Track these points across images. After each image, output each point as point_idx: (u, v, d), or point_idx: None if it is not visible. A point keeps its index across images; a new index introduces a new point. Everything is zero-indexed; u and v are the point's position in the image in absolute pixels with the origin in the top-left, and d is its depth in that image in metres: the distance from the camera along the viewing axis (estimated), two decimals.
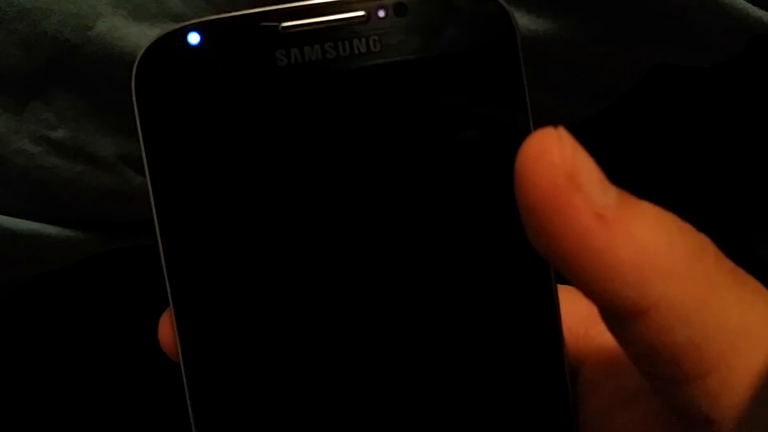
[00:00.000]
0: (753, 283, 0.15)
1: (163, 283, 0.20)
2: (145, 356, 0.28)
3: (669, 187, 0.39)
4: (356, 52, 0.19)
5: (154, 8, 0.25)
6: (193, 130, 0.19)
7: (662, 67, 0.32)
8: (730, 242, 0.17)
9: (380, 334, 0.20)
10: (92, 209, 0.29)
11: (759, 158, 0.41)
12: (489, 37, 0.19)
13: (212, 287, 0.20)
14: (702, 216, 0.18)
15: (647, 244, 0.15)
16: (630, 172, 0.25)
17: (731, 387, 0.15)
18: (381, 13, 0.19)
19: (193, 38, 0.19)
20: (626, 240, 0.15)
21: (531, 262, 0.19)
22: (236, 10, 0.19)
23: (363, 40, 0.19)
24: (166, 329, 0.20)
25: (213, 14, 0.23)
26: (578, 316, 0.20)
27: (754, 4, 0.28)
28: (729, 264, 0.15)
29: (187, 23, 0.19)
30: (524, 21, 0.27)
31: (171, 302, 0.20)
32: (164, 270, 0.20)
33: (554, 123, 0.16)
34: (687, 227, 0.15)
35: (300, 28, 0.19)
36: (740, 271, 0.15)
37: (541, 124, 0.16)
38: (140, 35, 0.25)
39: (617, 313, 0.15)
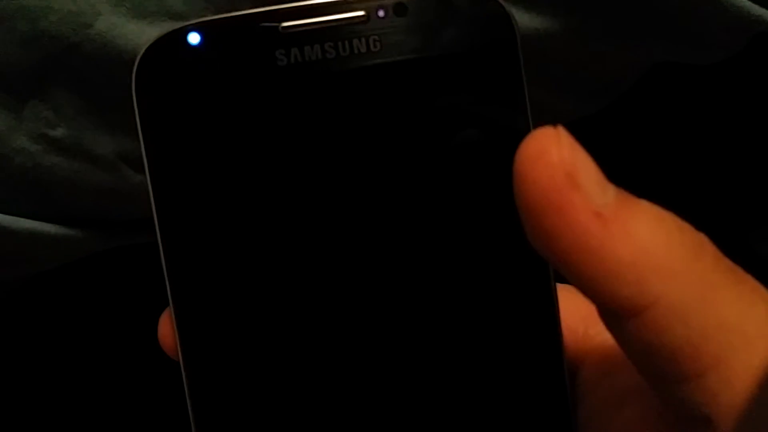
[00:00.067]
0: (751, 282, 0.15)
1: (162, 281, 0.20)
2: (145, 355, 0.28)
3: (668, 185, 0.39)
4: (356, 51, 0.19)
5: (153, 6, 0.25)
6: (193, 129, 0.19)
7: (662, 66, 0.32)
8: (729, 241, 0.17)
9: (380, 333, 0.20)
10: (91, 207, 0.29)
11: (758, 157, 0.41)
12: (489, 37, 0.19)
13: (212, 286, 0.20)
14: (701, 214, 0.18)
15: (646, 243, 0.15)
16: (629, 170, 0.25)
17: (730, 386, 0.15)
18: (381, 13, 0.19)
19: (194, 38, 0.19)
20: (625, 239, 0.15)
21: (530, 262, 0.19)
22: (236, 9, 0.19)
23: (363, 39, 0.19)
24: (166, 328, 0.20)
25: (213, 13, 0.23)
26: (577, 316, 0.20)
27: (754, 2, 0.28)
28: (728, 263, 0.15)
29: (187, 23, 0.19)
30: (524, 19, 0.27)
31: (171, 301, 0.20)
32: (164, 269, 0.20)
33: (554, 121, 0.16)
34: (686, 226, 0.15)
35: (300, 28, 0.19)
36: (739, 270, 0.15)
37: (540, 122, 0.16)
38: (139, 33, 0.25)
39: (616, 312, 0.15)
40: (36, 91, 0.27)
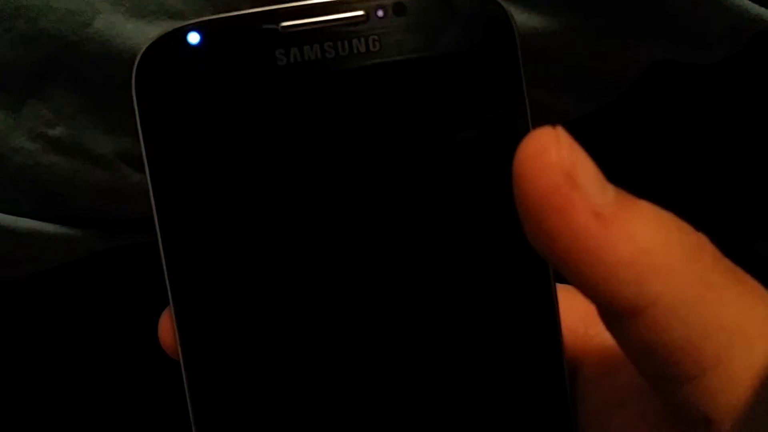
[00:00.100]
0: (751, 282, 0.15)
1: (162, 280, 0.20)
2: (145, 354, 0.28)
3: (668, 185, 0.39)
4: (355, 51, 0.19)
5: (152, 5, 0.25)
6: (193, 129, 0.19)
7: (662, 65, 0.31)
8: (728, 241, 0.17)
9: (380, 333, 0.20)
10: (90, 207, 0.29)
11: (758, 156, 0.41)
12: (488, 37, 0.19)
13: (212, 285, 0.20)
14: (700, 214, 0.18)
15: (645, 242, 0.15)
16: (629, 170, 0.25)
17: (729, 386, 0.15)
18: (380, 13, 0.19)
19: (193, 38, 0.19)
20: (624, 239, 0.15)
21: (530, 262, 0.19)
22: (235, 8, 0.19)
23: (362, 39, 0.19)
24: (166, 327, 0.20)
25: (212, 12, 0.23)
26: (577, 316, 0.20)
27: (754, 2, 0.28)
28: (727, 263, 0.15)
29: (187, 23, 0.19)
30: (523, 18, 0.27)
31: (171, 300, 0.20)
32: (164, 268, 0.20)
33: (553, 121, 0.16)
34: (685, 226, 0.15)
35: (299, 28, 0.19)
36: (738, 270, 0.15)
37: (540, 121, 0.16)
38: (138, 32, 0.25)
39: (615, 312, 0.15)
40: (35, 90, 0.26)
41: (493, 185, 0.19)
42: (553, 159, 0.15)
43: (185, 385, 0.20)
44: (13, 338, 0.39)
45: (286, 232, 0.20)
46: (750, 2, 0.27)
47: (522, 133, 0.16)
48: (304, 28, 0.19)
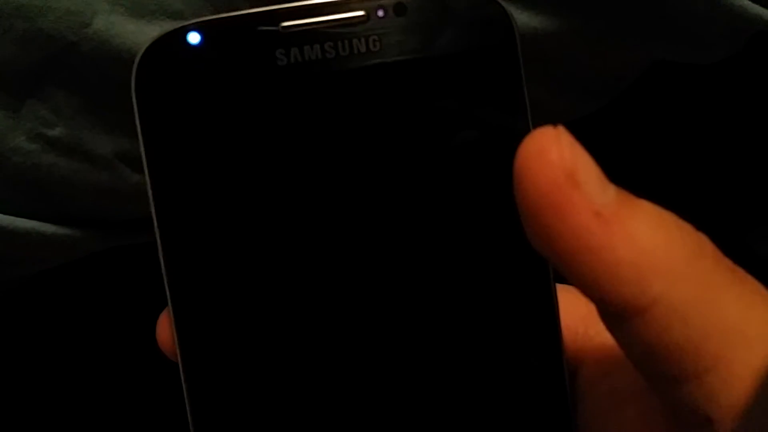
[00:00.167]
0: (752, 283, 0.15)
1: (161, 281, 0.20)
2: (143, 355, 0.28)
3: (668, 185, 0.39)
4: (356, 51, 0.19)
5: (152, 5, 0.25)
6: (193, 129, 0.19)
7: (661, 65, 0.32)
8: (728, 240, 0.17)
9: (379, 333, 0.20)
10: (89, 207, 0.29)
11: (758, 156, 0.41)
12: (488, 37, 0.19)
13: (211, 286, 0.20)
14: (700, 214, 0.18)
15: (646, 242, 0.15)
16: (629, 170, 0.25)
17: (730, 386, 0.15)
18: (380, 13, 0.19)
19: (193, 38, 0.19)
20: (625, 238, 0.15)
21: (530, 262, 0.19)
22: (235, 8, 0.19)
23: (362, 39, 0.19)
24: (164, 328, 0.20)
25: (211, 12, 0.23)
26: (577, 316, 0.20)
27: (753, 1, 0.28)
28: (728, 263, 0.15)
29: (187, 23, 0.19)
30: (523, 18, 0.27)
31: (169, 301, 0.20)
32: (163, 269, 0.20)
33: (553, 121, 0.16)
34: (686, 226, 0.15)
35: (300, 28, 0.19)
36: (739, 270, 0.15)
37: (539, 122, 0.16)
38: (138, 33, 0.25)
39: (615, 312, 0.15)
40: (34, 90, 0.26)
41: (494, 185, 0.19)
42: (553, 158, 0.15)
43: (183, 386, 0.20)
44: (13, 338, 0.39)
45: (285, 233, 0.20)
46: (749, 2, 0.27)
47: (523, 133, 0.15)
48: (304, 28, 0.19)
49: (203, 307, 0.20)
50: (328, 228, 0.20)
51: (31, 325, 0.40)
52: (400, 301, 0.20)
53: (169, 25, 0.19)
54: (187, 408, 0.20)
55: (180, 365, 0.20)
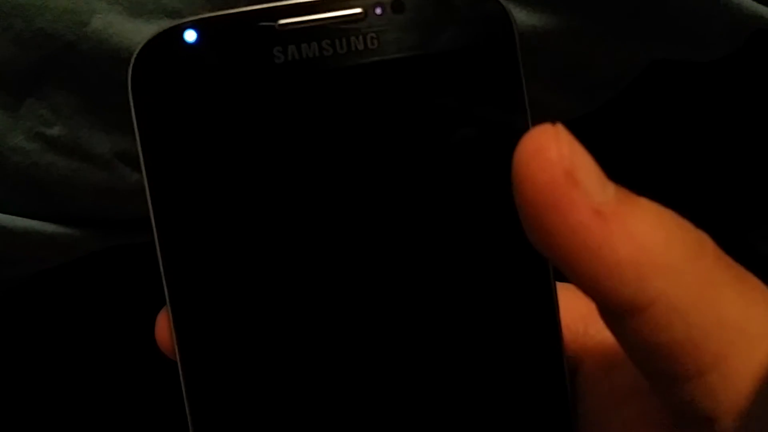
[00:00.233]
0: (753, 280, 0.15)
1: (160, 280, 0.20)
2: (143, 354, 0.28)
3: (668, 183, 0.39)
4: (353, 49, 0.19)
5: (150, 4, 0.25)
6: (190, 127, 0.19)
7: (661, 63, 0.31)
8: (729, 239, 0.17)
9: (378, 331, 0.20)
10: (88, 206, 0.29)
11: (758, 155, 0.41)
12: (487, 34, 0.19)
13: (209, 285, 0.20)
14: (701, 213, 0.18)
15: (645, 240, 0.15)
16: (629, 168, 0.24)
17: (730, 384, 0.14)
18: (378, 11, 0.19)
19: (190, 36, 0.19)
20: (624, 236, 0.15)
21: (530, 260, 0.19)
22: (233, 7, 0.19)
23: (360, 37, 0.19)
24: (163, 327, 0.20)
25: (209, 10, 0.23)
26: (577, 314, 0.20)
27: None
28: (728, 261, 0.15)
29: (183, 20, 0.19)
30: (521, 16, 0.27)
31: (168, 300, 0.20)
32: (161, 268, 0.20)
33: (552, 119, 0.15)
34: (686, 224, 0.15)
35: (297, 26, 0.19)
36: (739, 268, 0.15)
37: (539, 120, 0.16)
38: (136, 31, 0.25)
39: (615, 311, 0.15)
40: (33, 89, 0.26)
41: (493, 183, 0.19)
42: (552, 156, 0.15)
43: (182, 385, 0.20)
44: (12, 338, 0.39)
45: (283, 231, 0.20)
46: (749, 0, 0.27)
47: (522, 131, 0.15)
48: (301, 25, 0.19)
49: (201, 305, 0.20)
50: (326, 225, 0.20)
51: (30, 324, 0.40)
52: (400, 299, 0.20)
53: (166, 24, 0.19)
54: (186, 406, 0.20)
55: (179, 364, 0.20)
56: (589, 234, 0.15)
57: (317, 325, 0.20)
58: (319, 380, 0.20)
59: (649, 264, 0.15)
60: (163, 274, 0.20)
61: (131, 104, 0.19)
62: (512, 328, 0.20)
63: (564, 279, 0.16)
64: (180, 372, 0.20)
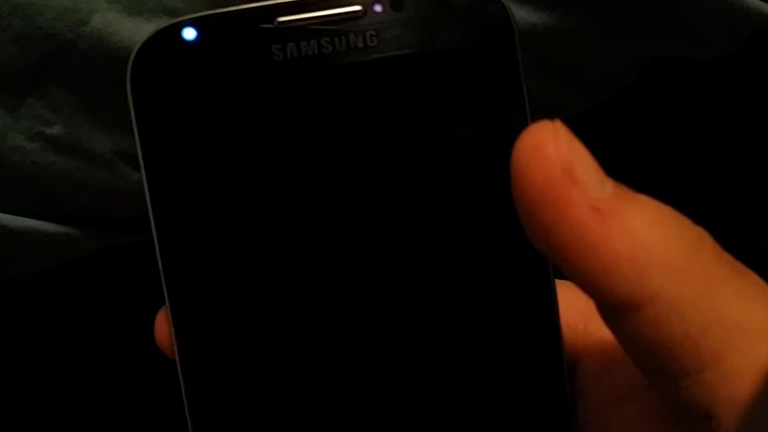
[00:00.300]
0: (752, 277, 0.15)
1: (159, 279, 0.20)
2: (142, 353, 0.28)
3: (669, 182, 0.39)
4: (353, 46, 0.19)
5: (149, 3, 0.25)
6: (189, 125, 0.19)
7: (661, 60, 0.31)
8: (731, 238, 0.17)
9: (377, 329, 0.20)
10: (88, 206, 0.29)
11: (759, 153, 0.41)
12: (486, 32, 0.19)
13: (208, 284, 0.20)
14: (703, 211, 0.18)
15: (644, 237, 0.15)
16: (630, 166, 0.24)
17: (729, 381, 0.14)
18: (377, 8, 0.19)
19: (189, 33, 0.19)
20: (623, 233, 0.15)
21: (529, 258, 0.19)
22: (232, 5, 0.19)
23: (359, 34, 0.19)
24: (163, 326, 0.20)
25: (209, 9, 0.22)
26: (577, 312, 0.20)
27: None
28: (727, 257, 0.15)
29: (182, 18, 0.19)
30: (522, 14, 0.27)
31: (167, 299, 0.20)
32: (160, 267, 0.20)
33: (552, 117, 0.15)
34: (685, 220, 0.15)
35: (296, 23, 0.19)
36: (739, 265, 0.15)
37: (538, 118, 0.16)
38: (136, 30, 0.25)
39: (614, 307, 0.15)
40: (32, 89, 0.26)
41: (492, 181, 0.19)
42: (551, 153, 0.15)
43: (181, 384, 0.20)
44: (12, 337, 0.39)
45: (282, 229, 0.20)
46: None
47: (521, 128, 0.15)
48: (300, 23, 0.19)
49: (200, 304, 0.20)
50: (324, 223, 0.20)
51: (30, 324, 0.40)
52: (399, 297, 0.20)
53: (165, 22, 0.19)
54: (185, 405, 0.20)
55: (178, 362, 0.20)
56: (587, 231, 0.15)
57: (316, 324, 0.20)
58: (318, 379, 0.20)
59: (648, 261, 0.15)
60: (162, 273, 0.20)
61: (130, 102, 0.19)
62: (511, 325, 0.20)
63: (563, 276, 0.16)
64: (179, 371, 0.20)
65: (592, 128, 0.23)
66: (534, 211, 0.15)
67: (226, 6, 0.19)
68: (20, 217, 0.28)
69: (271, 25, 0.19)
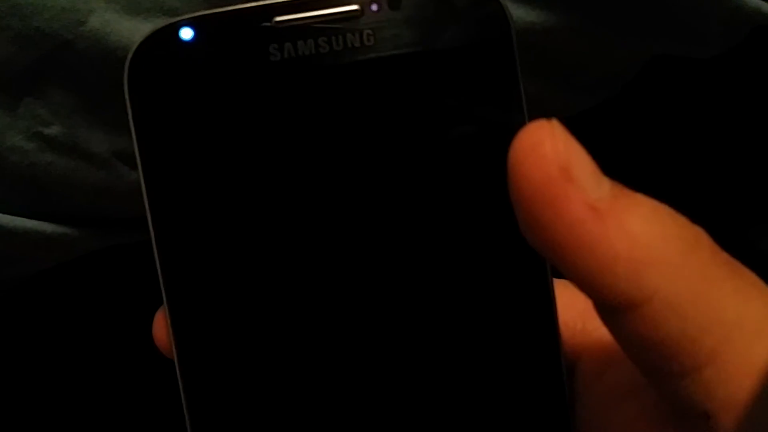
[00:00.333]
0: (749, 276, 0.15)
1: (157, 279, 0.20)
2: (141, 353, 0.28)
3: (668, 181, 0.39)
4: (350, 46, 0.19)
5: (147, 3, 0.25)
6: (186, 125, 0.19)
7: (660, 59, 0.31)
8: (730, 237, 0.17)
9: (376, 329, 0.20)
10: (86, 206, 0.29)
11: (758, 151, 0.41)
12: (483, 31, 0.19)
13: (206, 284, 0.20)
14: (701, 211, 0.18)
15: (641, 236, 0.15)
16: (628, 165, 0.24)
17: (728, 380, 0.14)
18: (374, 7, 0.19)
19: (186, 33, 0.19)
20: (620, 232, 0.15)
21: (527, 257, 0.19)
22: (229, 5, 0.19)
23: (357, 34, 0.19)
24: (161, 326, 0.20)
25: (206, 9, 0.22)
26: (575, 311, 0.20)
27: None
28: (725, 256, 0.15)
29: (179, 18, 0.19)
30: (520, 13, 0.27)
31: (165, 299, 0.20)
32: (157, 266, 0.19)
33: (551, 116, 0.15)
34: (682, 219, 0.15)
35: (293, 23, 0.19)
36: (736, 264, 0.15)
37: (536, 117, 0.16)
38: (133, 30, 0.25)
39: (611, 306, 0.15)
40: (30, 89, 0.26)
41: (489, 181, 0.19)
42: (547, 152, 0.15)
43: (179, 383, 0.20)
44: (12, 338, 0.39)
45: (279, 229, 0.20)
46: None
47: (518, 128, 0.15)
48: (298, 22, 0.19)
49: (198, 304, 0.20)
50: (322, 222, 0.20)
51: (29, 324, 0.40)
52: (397, 296, 0.20)
53: (163, 22, 0.19)
54: (184, 405, 0.20)
55: (176, 362, 0.20)
56: (584, 230, 0.15)
57: (314, 324, 0.20)
58: (316, 379, 0.20)
59: (645, 259, 0.15)
60: (159, 272, 0.19)
61: (128, 102, 0.19)
62: (510, 325, 0.20)
63: (561, 276, 0.16)
64: (177, 370, 0.20)
65: (591, 127, 0.23)
66: (531, 210, 0.15)
67: (224, 5, 0.19)
68: (19, 218, 0.28)
69: (268, 25, 0.19)
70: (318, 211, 0.19)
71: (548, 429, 0.20)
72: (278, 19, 0.19)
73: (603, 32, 0.28)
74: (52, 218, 0.29)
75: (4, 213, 0.28)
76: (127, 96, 0.19)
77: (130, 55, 0.19)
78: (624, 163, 0.23)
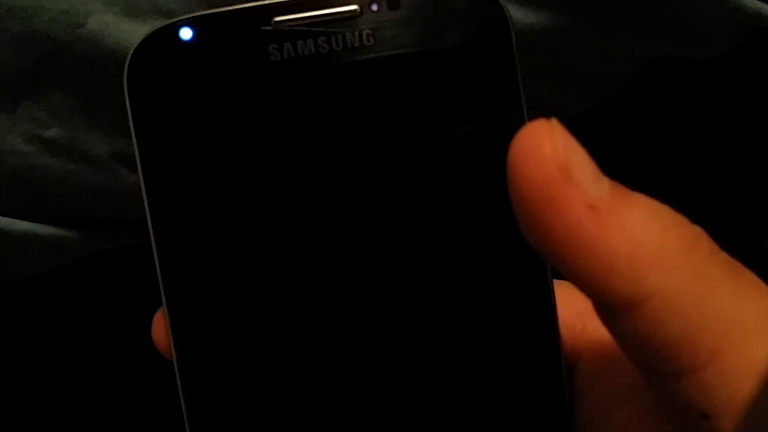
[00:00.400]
0: (749, 276, 0.15)
1: (156, 280, 0.20)
2: (140, 354, 0.28)
3: (668, 181, 0.39)
4: (349, 46, 0.19)
5: (145, 5, 0.25)
6: (186, 126, 0.19)
7: (660, 60, 0.31)
8: (731, 238, 0.17)
9: (375, 329, 0.20)
10: (85, 208, 0.29)
11: (759, 152, 0.41)
12: (483, 32, 0.19)
13: (205, 285, 0.20)
14: (702, 212, 0.18)
15: (641, 235, 0.15)
16: (628, 166, 0.24)
17: (727, 380, 0.14)
18: (374, 7, 0.19)
19: (185, 34, 0.19)
20: (619, 231, 0.15)
21: (527, 257, 0.19)
22: (229, 5, 0.19)
23: (356, 34, 0.19)
24: (160, 327, 0.20)
25: (204, 9, 0.22)
26: (575, 311, 0.20)
27: None
28: (724, 256, 0.15)
29: (178, 19, 0.19)
30: (519, 14, 0.27)
31: (164, 300, 0.20)
32: (157, 268, 0.19)
33: (549, 117, 0.15)
34: (681, 219, 0.15)
35: (293, 23, 0.19)
36: (736, 263, 0.15)
37: (536, 118, 0.16)
38: (132, 32, 0.25)
39: (611, 306, 0.15)
40: (29, 91, 0.26)
41: (489, 181, 0.19)
42: (547, 151, 0.15)
43: (178, 384, 0.20)
44: (11, 340, 0.39)
45: (279, 230, 0.20)
46: None
47: (518, 128, 0.15)
48: (297, 23, 0.19)
49: (198, 305, 0.20)
50: (321, 222, 0.19)
51: (29, 326, 0.40)
52: (397, 297, 0.20)
53: (161, 23, 0.19)
54: (183, 406, 0.20)
55: (175, 364, 0.20)
56: (583, 230, 0.14)
57: (314, 324, 0.20)
58: (315, 380, 0.20)
59: (645, 259, 0.14)
60: (159, 274, 0.19)
61: (127, 103, 0.19)
62: (509, 326, 0.20)
63: (561, 276, 0.16)
64: (176, 371, 0.20)
65: (591, 128, 0.23)
66: (530, 210, 0.15)
67: (223, 6, 0.19)
68: (18, 220, 0.28)
69: (267, 25, 0.19)
70: (318, 211, 0.19)
71: (548, 429, 0.20)
72: (278, 19, 0.19)
73: (603, 34, 0.28)
74: (51, 221, 0.29)
75: (2, 215, 0.28)
76: (126, 97, 0.19)
77: (129, 56, 0.19)
78: (624, 163, 0.23)
